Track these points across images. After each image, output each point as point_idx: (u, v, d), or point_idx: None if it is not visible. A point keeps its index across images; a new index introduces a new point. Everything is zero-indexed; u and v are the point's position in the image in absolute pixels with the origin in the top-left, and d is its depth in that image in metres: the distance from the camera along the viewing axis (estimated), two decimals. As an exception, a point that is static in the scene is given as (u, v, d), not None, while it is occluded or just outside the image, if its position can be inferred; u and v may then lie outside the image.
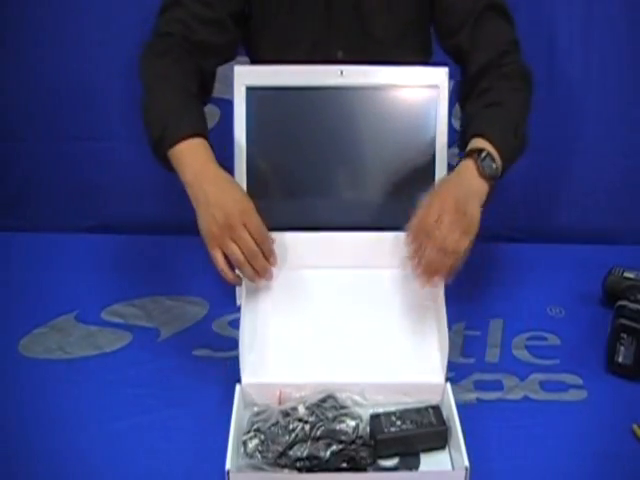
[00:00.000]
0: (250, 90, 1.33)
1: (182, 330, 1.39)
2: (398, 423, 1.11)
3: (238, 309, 1.38)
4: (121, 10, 1.69)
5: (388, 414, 1.13)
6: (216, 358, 1.32)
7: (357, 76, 1.33)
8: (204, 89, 1.33)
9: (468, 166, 1.21)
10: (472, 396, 1.23)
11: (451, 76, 1.32)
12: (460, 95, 1.37)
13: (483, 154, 1.20)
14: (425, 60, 1.40)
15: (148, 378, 1.26)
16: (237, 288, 1.39)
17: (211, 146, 1.22)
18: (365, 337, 1.23)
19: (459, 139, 1.32)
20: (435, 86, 1.33)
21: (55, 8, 1.68)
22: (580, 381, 1.27)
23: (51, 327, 1.39)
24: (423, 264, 1.15)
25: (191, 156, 1.20)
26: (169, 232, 1.69)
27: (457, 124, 1.61)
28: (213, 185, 1.17)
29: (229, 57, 1.39)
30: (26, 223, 1.78)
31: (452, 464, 1.10)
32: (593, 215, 1.81)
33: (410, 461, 1.10)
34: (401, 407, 1.14)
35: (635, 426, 1.15)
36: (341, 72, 1.33)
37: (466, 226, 1.15)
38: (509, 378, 1.28)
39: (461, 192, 1.18)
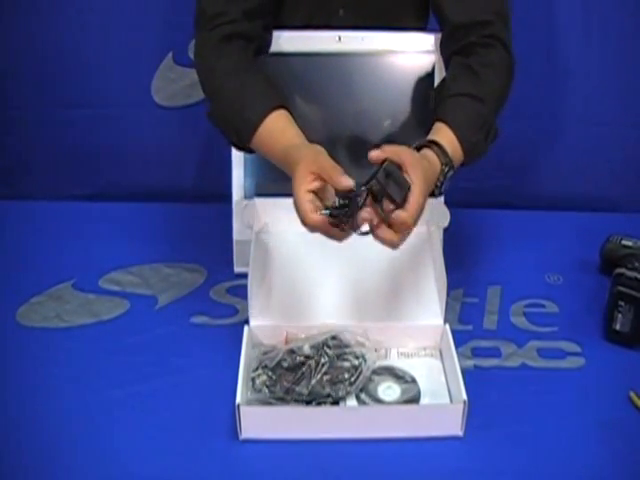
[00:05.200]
0: (248, 56, 1.32)
1: (180, 297, 1.39)
2: None
3: (236, 276, 1.39)
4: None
5: None
6: (214, 325, 1.32)
7: (355, 42, 1.33)
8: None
9: (435, 168, 1.12)
10: (470, 363, 1.23)
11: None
12: (442, 46, 1.30)
13: (447, 171, 1.13)
14: (423, 24, 1.38)
15: (146, 345, 1.26)
16: (234, 255, 1.39)
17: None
18: (367, 283, 1.25)
19: (436, 90, 1.27)
20: (432, 52, 1.33)
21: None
22: (578, 348, 1.27)
23: (48, 295, 1.39)
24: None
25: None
26: (167, 199, 1.69)
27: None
28: None
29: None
30: (23, 191, 1.77)
31: (450, 398, 1.14)
32: (592, 182, 1.80)
33: (411, 395, 1.14)
34: None
35: (632, 393, 1.16)
36: (339, 38, 1.32)
37: None
38: (507, 345, 1.28)
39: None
